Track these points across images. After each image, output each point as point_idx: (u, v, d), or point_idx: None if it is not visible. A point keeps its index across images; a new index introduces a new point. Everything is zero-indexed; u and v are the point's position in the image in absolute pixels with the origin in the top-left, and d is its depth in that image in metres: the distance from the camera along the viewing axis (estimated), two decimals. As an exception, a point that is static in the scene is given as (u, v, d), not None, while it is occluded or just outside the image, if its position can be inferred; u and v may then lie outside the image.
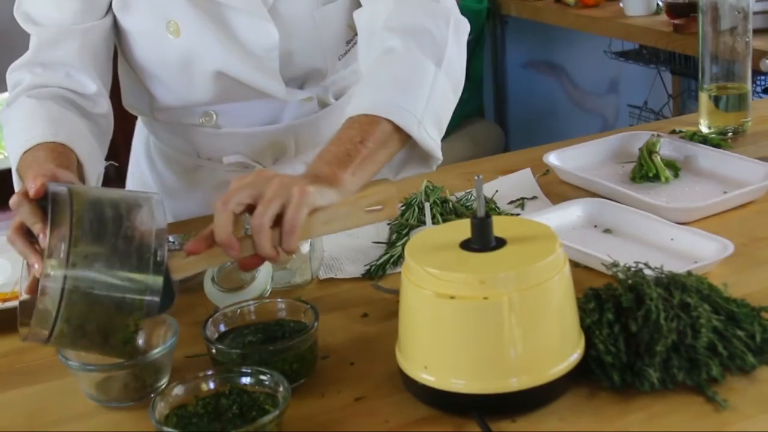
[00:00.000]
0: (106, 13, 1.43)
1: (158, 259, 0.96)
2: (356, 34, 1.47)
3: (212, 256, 1.02)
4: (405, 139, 1.24)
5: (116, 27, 1.46)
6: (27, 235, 1.02)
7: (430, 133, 1.26)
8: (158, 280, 0.96)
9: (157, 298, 0.96)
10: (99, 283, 0.94)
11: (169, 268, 0.99)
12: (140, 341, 1.02)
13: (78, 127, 1.34)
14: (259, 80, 1.43)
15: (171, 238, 1.00)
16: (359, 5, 1.43)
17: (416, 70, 1.28)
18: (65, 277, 0.93)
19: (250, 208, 1.03)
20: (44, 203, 0.99)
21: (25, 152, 1.25)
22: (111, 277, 0.94)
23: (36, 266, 0.98)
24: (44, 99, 1.35)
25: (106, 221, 0.96)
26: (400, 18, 1.34)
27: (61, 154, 1.24)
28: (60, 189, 0.97)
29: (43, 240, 0.97)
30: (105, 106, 1.43)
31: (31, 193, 1.01)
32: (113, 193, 1.01)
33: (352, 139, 1.18)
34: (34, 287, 0.98)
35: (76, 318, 0.94)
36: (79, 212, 0.95)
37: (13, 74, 1.42)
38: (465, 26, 1.38)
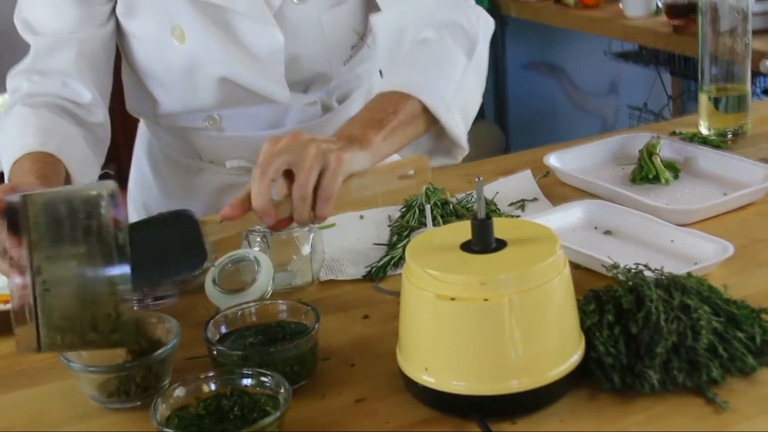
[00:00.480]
0: (107, 21, 1.43)
1: (120, 242, 0.97)
2: (361, 39, 1.48)
3: (246, 221, 1.05)
4: (432, 122, 1.25)
5: (120, 32, 1.46)
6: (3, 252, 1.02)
7: (457, 122, 1.27)
8: (125, 266, 0.96)
9: (127, 285, 0.97)
10: (68, 281, 0.95)
11: (202, 232, 1.02)
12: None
13: (71, 135, 1.34)
14: (264, 85, 1.43)
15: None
16: (366, 10, 1.43)
17: (448, 58, 1.30)
18: (34, 283, 0.95)
19: (286, 173, 1.05)
20: (10, 217, 1.00)
21: (15, 162, 1.26)
22: (78, 271, 0.96)
23: (17, 281, 0.98)
24: (39, 108, 1.35)
25: (62, 219, 0.97)
26: (432, 13, 1.36)
27: (47, 164, 1.26)
28: (13, 199, 0.98)
29: (16, 254, 0.97)
30: (101, 116, 1.42)
31: None
32: (67, 189, 1.03)
33: (384, 109, 1.19)
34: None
35: (57, 319, 0.95)
36: (34, 216, 0.96)
37: (11, 81, 1.42)
38: (492, 25, 1.41)
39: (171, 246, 1.03)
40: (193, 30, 1.39)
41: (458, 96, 1.27)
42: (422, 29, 1.35)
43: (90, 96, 1.40)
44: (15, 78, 1.42)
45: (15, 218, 0.97)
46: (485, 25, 1.38)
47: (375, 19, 1.42)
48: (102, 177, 1.40)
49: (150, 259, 1.00)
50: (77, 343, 0.98)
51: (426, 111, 1.23)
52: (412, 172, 1.10)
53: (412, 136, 1.22)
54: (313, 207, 1.04)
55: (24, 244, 0.95)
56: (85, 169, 1.33)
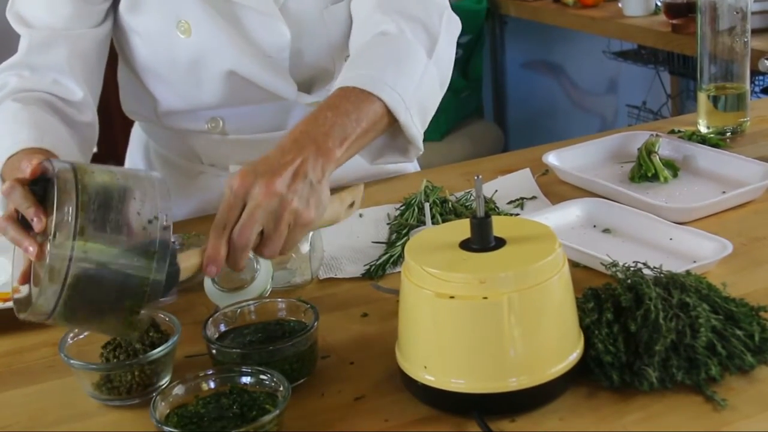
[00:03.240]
0: (102, 22, 1.42)
1: (162, 241, 0.95)
2: None
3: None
4: (391, 122, 1.22)
5: (120, 30, 1.45)
6: (19, 222, 1.01)
7: (415, 122, 1.24)
8: (162, 264, 0.95)
9: (161, 279, 0.94)
10: (106, 261, 0.93)
11: (178, 263, 0.99)
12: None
13: (61, 134, 1.33)
14: (270, 80, 1.43)
15: (172, 238, 1.00)
16: None
17: (408, 55, 1.28)
18: (73, 246, 0.91)
19: None
20: (36, 188, 0.98)
21: (9, 157, 1.24)
22: (119, 257, 0.93)
23: (31, 249, 0.96)
24: (29, 104, 1.34)
25: (112, 199, 0.94)
26: (394, 3, 1.33)
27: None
28: (63, 165, 0.96)
29: (38, 223, 0.96)
30: (90, 115, 1.41)
31: (27, 173, 0.99)
32: (120, 171, 1.00)
33: (348, 114, 1.15)
34: (27, 275, 0.98)
35: (84, 291, 0.92)
36: (87, 187, 0.93)
37: (0, 75, 1.40)
38: (457, 23, 1.38)
39: None
40: (200, 23, 1.38)
41: (417, 95, 1.24)
42: (382, 18, 1.31)
43: (81, 94, 1.39)
44: (3, 73, 1.39)
45: (61, 184, 0.93)
46: (448, 23, 1.35)
47: (351, 5, 1.42)
48: None
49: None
50: (89, 322, 0.97)
51: (387, 113, 1.20)
52: (352, 201, 1.13)
53: (369, 141, 1.20)
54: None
55: (65, 210, 0.91)
56: None
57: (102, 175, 0.96)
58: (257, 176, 1.03)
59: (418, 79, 1.26)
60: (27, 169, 0.99)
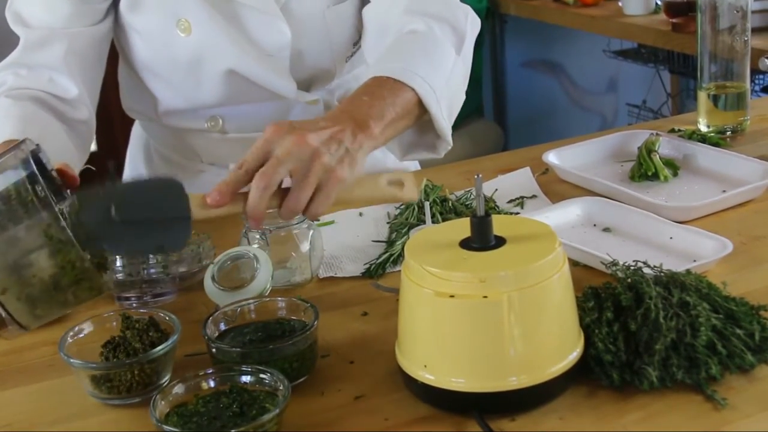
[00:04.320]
0: (101, 20, 1.42)
1: (40, 196, 0.95)
2: (361, 36, 1.47)
3: (231, 207, 1.02)
4: (421, 113, 1.23)
5: (121, 28, 1.45)
6: None
7: (444, 115, 1.26)
8: (50, 208, 0.94)
9: (59, 223, 0.94)
10: (7, 252, 0.94)
11: (190, 208, 0.99)
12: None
13: (51, 128, 1.33)
14: (270, 79, 1.43)
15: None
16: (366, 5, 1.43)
17: (438, 50, 1.29)
18: None
19: None
20: None
21: None
22: (10, 234, 0.94)
23: None
24: (21, 99, 1.34)
25: None
26: (421, 5, 1.35)
27: None
28: None
29: None
30: (85, 113, 1.41)
31: None
32: None
33: (384, 98, 1.17)
34: None
35: (17, 296, 0.95)
36: None
37: None
38: (478, 24, 1.40)
39: (156, 215, 0.98)
40: (200, 22, 1.38)
41: (447, 89, 1.26)
42: (410, 19, 1.33)
43: (76, 92, 1.39)
44: (1, 72, 1.40)
45: None
46: (472, 23, 1.38)
47: (365, 11, 1.42)
48: (83, 173, 1.38)
49: (133, 226, 0.96)
50: (52, 308, 0.98)
51: (419, 104, 1.22)
52: (399, 180, 1.10)
53: (402, 128, 1.20)
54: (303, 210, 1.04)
55: None
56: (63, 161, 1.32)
57: None
58: (292, 128, 1.03)
59: (448, 74, 1.27)
60: None
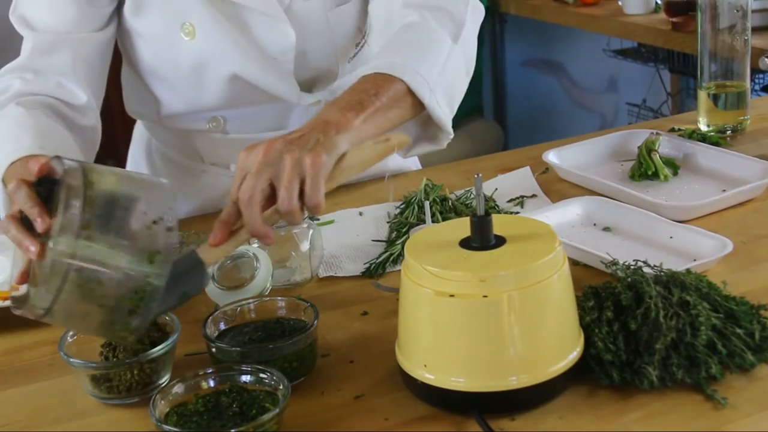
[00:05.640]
0: (106, 25, 1.42)
1: (165, 248, 0.94)
2: (364, 37, 1.47)
3: (236, 240, 1.03)
4: (416, 104, 1.23)
5: (124, 32, 1.45)
6: (22, 222, 1.01)
7: (441, 105, 1.26)
8: (164, 267, 0.94)
9: (160, 284, 0.94)
10: (106, 259, 0.92)
11: (202, 258, 1.00)
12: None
13: (65, 140, 1.32)
14: (274, 83, 1.43)
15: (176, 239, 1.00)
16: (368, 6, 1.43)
17: (432, 40, 1.29)
18: (76, 247, 0.91)
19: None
20: (41, 189, 0.98)
21: (12, 162, 1.24)
22: (119, 254, 0.93)
23: (32, 248, 0.95)
24: (33, 108, 1.33)
25: (118, 199, 0.94)
26: None
27: None
28: (72, 163, 0.96)
29: (41, 223, 0.95)
30: (93, 119, 1.41)
31: (34, 171, 0.99)
32: (126, 173, 1.00)
33: (366, 90, 1.17)
34: (26, 275, 0.98)
35: (84, 287, 0.92)
36: (94, 186, 0.93)
37: (2, 78, 1.39)
38: (481, 11, 1.40)
39: (181, 274, 1.00)
40: (204, 26, 1.38)
41: (442, 79, 1.25)
42: (407, 12, 1.33)
43: (85, 98, 1.38)
44: (6, 75, 1.38)
45: (52, 188, 0.95)
46: (474, 9, 1.37)
47: (370, 8, 1.43)
48: None
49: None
50: (85, 323, 0.96)
51: (410, 93, 1.21)
52: (386, 138, 1.11)
53: (396, 119, 1.20)
54: (302, 208, 1.04)
55: (71, 209, 0.91)
56: None
57: (109, 176, 0.96)
58: (257, 145, 1.04)
59: (442, 63, 1.27)
60: (35, 168, 0.99)
